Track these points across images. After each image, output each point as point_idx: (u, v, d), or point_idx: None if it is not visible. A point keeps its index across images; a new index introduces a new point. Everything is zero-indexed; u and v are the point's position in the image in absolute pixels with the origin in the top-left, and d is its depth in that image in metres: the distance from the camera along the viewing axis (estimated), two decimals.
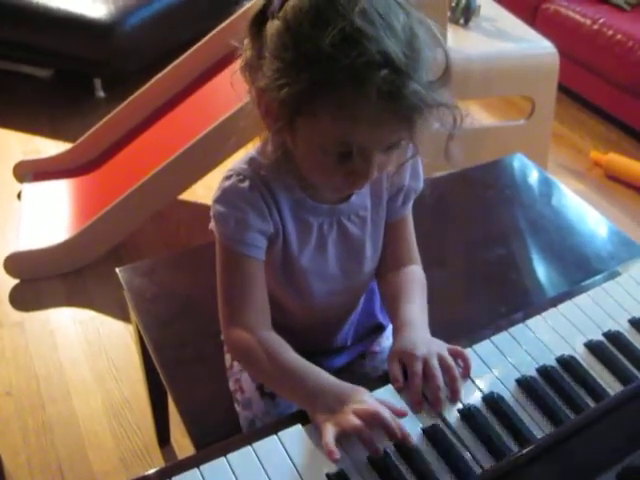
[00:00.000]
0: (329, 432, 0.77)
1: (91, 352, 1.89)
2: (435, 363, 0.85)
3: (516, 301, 1.33)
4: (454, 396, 0.84)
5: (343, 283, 1.00)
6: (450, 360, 0.86)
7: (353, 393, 0.81)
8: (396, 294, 0.99)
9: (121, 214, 2.05)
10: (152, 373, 1.44)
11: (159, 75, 2.42)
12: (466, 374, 0.87)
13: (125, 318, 1.88)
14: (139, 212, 2.07)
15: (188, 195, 2.26)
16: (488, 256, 1.47)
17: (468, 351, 0.89)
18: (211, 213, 0.91)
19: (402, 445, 0.77)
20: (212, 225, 0.92)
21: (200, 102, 2.24)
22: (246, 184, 0.88)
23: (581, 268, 1.44)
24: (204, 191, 2.30)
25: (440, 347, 0.88)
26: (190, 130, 2.05)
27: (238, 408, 1.08)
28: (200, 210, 2.35)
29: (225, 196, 0.89)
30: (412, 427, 0.79)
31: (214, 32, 2.34)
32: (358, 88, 0.71)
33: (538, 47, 2.23)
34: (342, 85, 0.72)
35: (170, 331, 1.25)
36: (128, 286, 1.32)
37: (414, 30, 0.75)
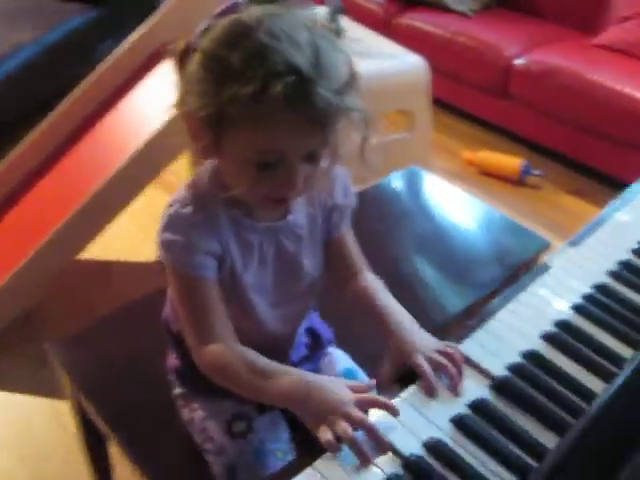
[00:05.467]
0: (327, 433, 0.80)
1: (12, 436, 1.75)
2: (438, 359, 0.90)
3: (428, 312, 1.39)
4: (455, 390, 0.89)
5: (282, 297, 1.03)
6: (442, 358, 0.91)
7: (338, 395, 0.85)
8: (370, 301, 1.03)
9: (16, 288, 1.91)
10: (96, 450, 1.38)
11: (35, 130, 2.28)
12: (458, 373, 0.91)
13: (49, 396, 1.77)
14: (35, 286, 1.94)
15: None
16: (403, 269, 1.52)
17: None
18: (158, 242, 0.92)
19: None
20: (160, 254, 0.93)
21: (87, 152, 2.15)
22: (189, 209, 0.91)
23: (494, 266, 1.54)
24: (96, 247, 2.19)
25: (435, 345, 0.93)
26: (78, 185, 1.97)
27: (210, 458, 1.05)
28: (98, 267, 2.27)
29: (170, 223, 0.92)
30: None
31: (89, 80, 2.25)
32: (268, 97, 0.77)
33: (409, 62, 2.34)
34: (254, 96, 0.78)
35: (118, 400, 1.19)
36: (61, 361, 1.25)
37: (317, 44, 0.82)
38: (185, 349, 1.06)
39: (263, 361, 0.92)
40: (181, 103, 0.88)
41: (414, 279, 1.49)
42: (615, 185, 2.85)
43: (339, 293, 1.08)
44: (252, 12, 0.82)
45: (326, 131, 0.83)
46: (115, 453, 1.45)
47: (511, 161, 2.95)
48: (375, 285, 1.06)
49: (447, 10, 3.26)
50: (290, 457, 1.04)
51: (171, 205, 0.93)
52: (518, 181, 2.93)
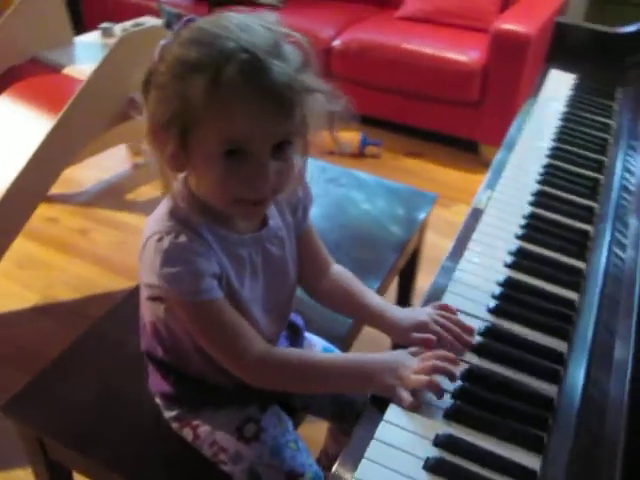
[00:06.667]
0: (404, 393, 0.86)
1: None
2: (443, 320, 0.97)
3: None
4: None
5: (273, 302, 1.04)
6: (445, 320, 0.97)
7: (400, 359, 0.91)
8: (348, 292, 1.08)
9: None
10: None
11: None
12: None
13: None
14: None
15: None
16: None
17: None
18: (151, 281, 0.89)
19: None
20: (156, 292, 0.92)
21: None
22: (183, 238, 0.88)
23: (400, 230, 1.65)
24: None
25: (431, 311, 0.99)
26: None
27: (227, 467, 1.05)
28: None
29: (169, 257, 0.87)
30: None
31: None
32: (225, 78, 0.77)
33: None
34: (212, 82, 0.78)
35: (103, 440, 1.12)
36: (23, 422, 1.15)
37: (272, 29, 0.82)
38: (176, 373, 1.07)
39: (314, 355, 0.97)
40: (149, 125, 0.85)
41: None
42: (447, 141, 3.14)
43: (312, 290, 1.12)
44: (208, 18, 0.83)
45: (291, 115, 0.80)
46: None
47: (348, 136, 3.11)
48: (346, 278, 1.10)
49: (256, 5, 3.32)
50: (301, 444, 1.07)
51: (160, 239, 0.88)
52: (359, 154, 3.10)
